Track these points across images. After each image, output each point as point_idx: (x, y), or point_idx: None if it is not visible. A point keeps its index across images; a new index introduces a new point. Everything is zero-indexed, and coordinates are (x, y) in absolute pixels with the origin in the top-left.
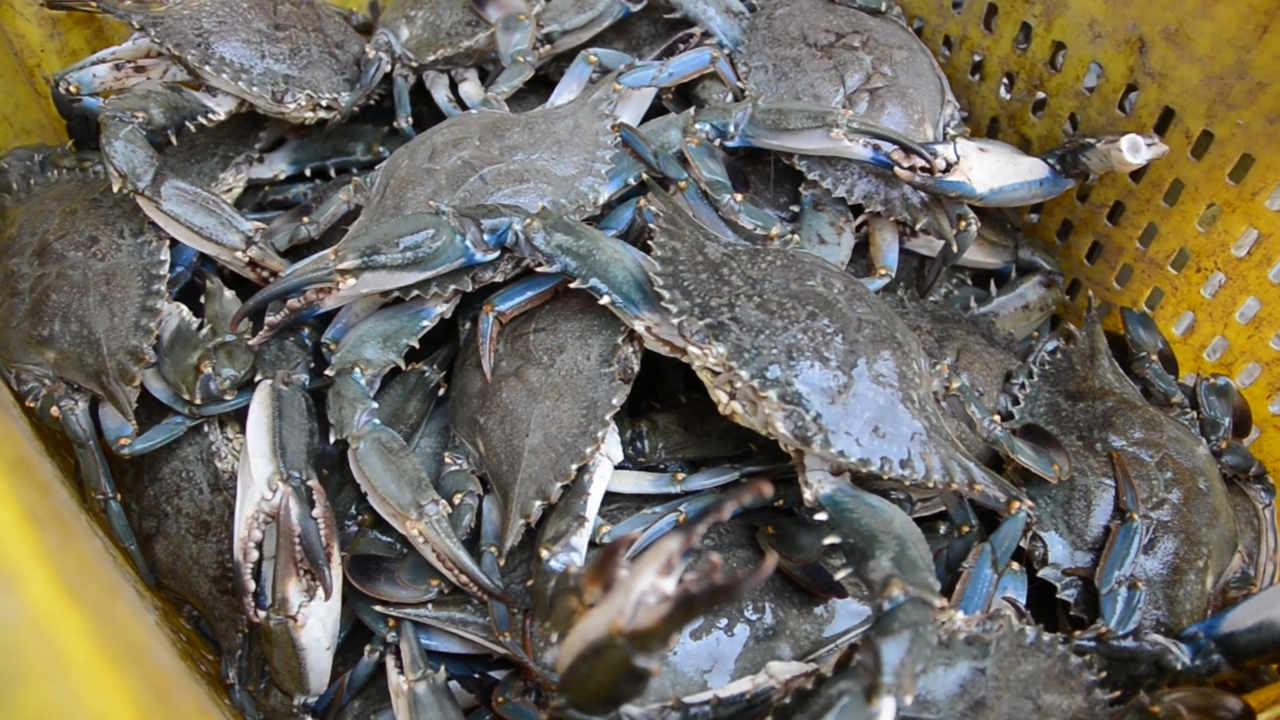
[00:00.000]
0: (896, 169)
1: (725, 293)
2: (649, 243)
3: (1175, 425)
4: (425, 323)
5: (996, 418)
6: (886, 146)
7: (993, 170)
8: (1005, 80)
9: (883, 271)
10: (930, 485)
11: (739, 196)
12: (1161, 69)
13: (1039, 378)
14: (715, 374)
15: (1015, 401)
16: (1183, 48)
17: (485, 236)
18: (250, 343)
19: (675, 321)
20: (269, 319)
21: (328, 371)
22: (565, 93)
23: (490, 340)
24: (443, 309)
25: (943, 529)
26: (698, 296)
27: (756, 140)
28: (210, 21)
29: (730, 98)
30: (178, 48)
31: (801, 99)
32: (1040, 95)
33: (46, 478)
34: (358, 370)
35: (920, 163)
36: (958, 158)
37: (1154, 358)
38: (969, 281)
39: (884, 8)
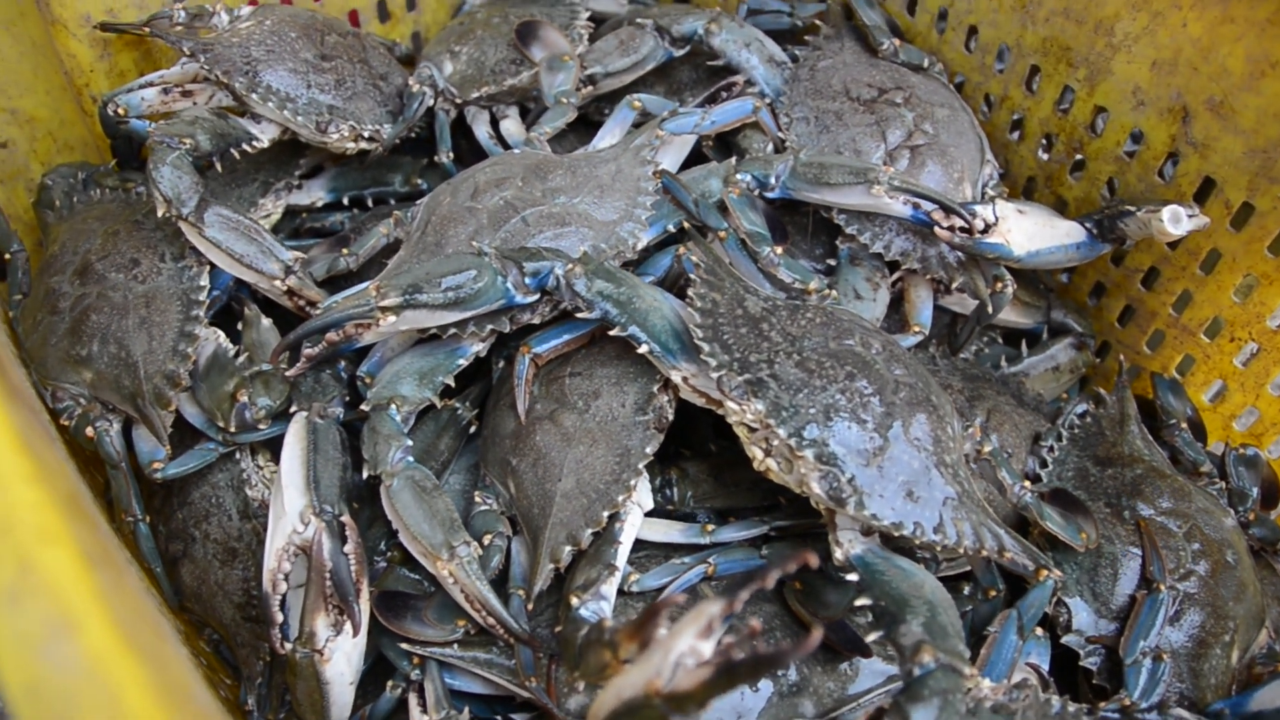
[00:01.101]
0: (935, 228)
1: (765, 348)
2: (688, 292)
3: (1204, 495)
4: (461, 361)
5: (1027, 484)
6: (926, 205)
7: (1031, 232)
8: (1044, 141)
9: (916, 329)
10: (961, 551)
11: (779, 249)
12: (1204, 139)
13: (1068, 441)
14: (752, 430)
15: (1043, 464)
16: (1227, 120)
17: (526, 279)
18: (288, 374)
19: (714, 375)
20: (307, 351)
21: (363, 406)
22: (608, 136)
23: (526, 382)
24: (479, 348)
25: (967, 589)
26: (737, 351)
27: (797, 193)
28: (259, 50)
29: (770, 148)
30: (226, 75)
31: (843, 153)
32: (1079, 158)
33: (92, 510)
34: (393, 407)
35: (959, 223)
36: (996, 219)
37: (1183, 425)
38: (1000, 340)
39: (926, 64)
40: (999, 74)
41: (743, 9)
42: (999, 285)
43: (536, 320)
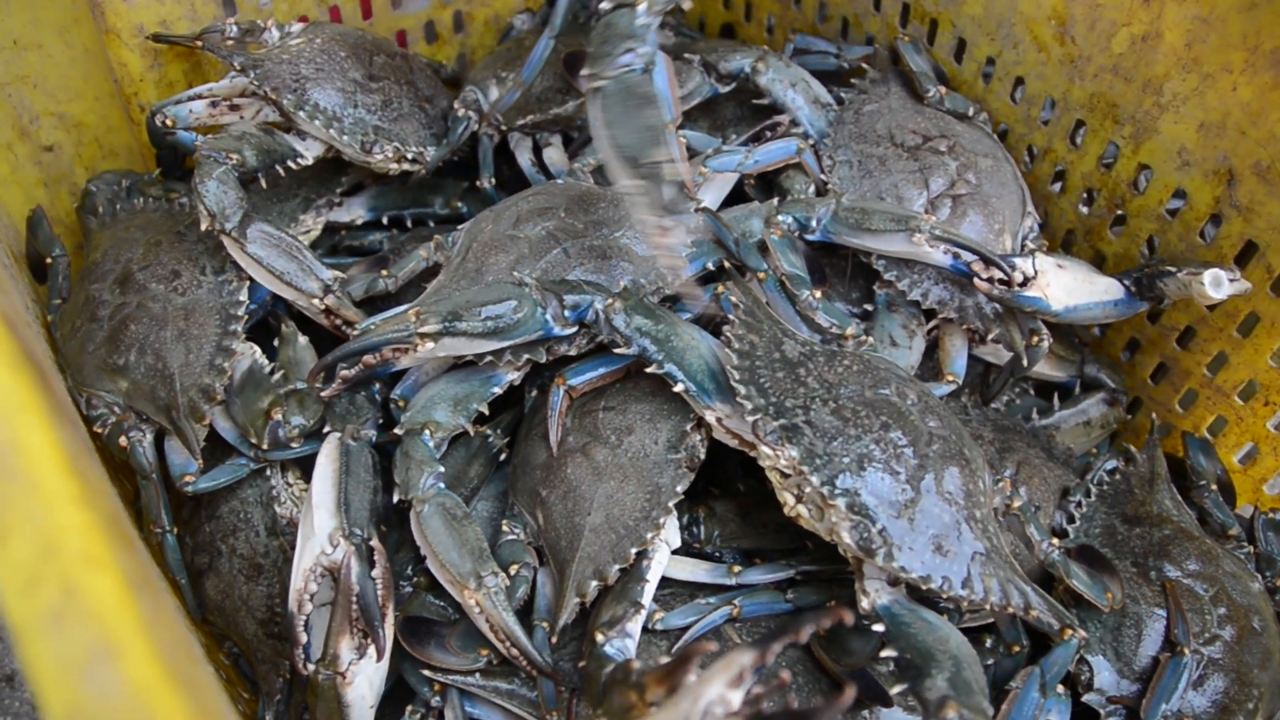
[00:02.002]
0: (975, 279)
1: (801, 394)
2: (725, 332)
3: (1231, 559)
4: (496, 389)
5: (1055, 541)
6: (966, 256)
7: (1070, 288)
8: (1086, 195)
9: (950, 378)
10: (987, 607)
11: (818, 293)
12: (1249, 203)
13: (1096, 498)
14: (785, 476)
15: (1071, 520)
16: (1273, 185)
17: (566, 312)
18: (323, 395)
19: (750, 419)
20: (343, 373)
21: (396, 430)
22: None
23: (559, 414)
24: (513, 376)
25: (989, 642)
26: (773, 395)
27: (837, 237)
28: (309, 68)
29: (812, 190)
30: (275, 91)
31: (884, 198)
32: (1120, 213)
33: (130, 530)
34: (427, 432)
35: (999, 275)
36: (1036, 272)
37: (1213, 486)
38: (1032, 391)
39: (971, 113)
40: (1043, 126)
41: (790, 47)
42: (1035, 339)
43: (573, 352)
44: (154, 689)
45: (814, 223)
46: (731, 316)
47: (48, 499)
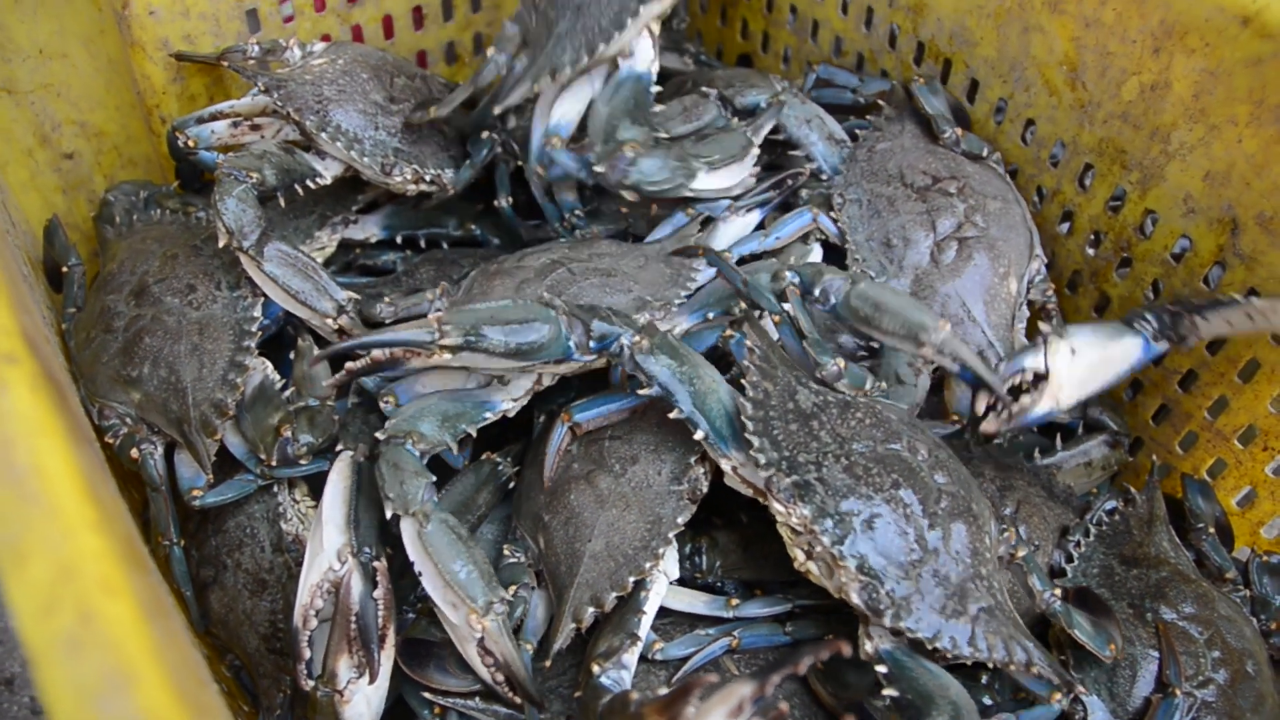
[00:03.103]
0: (979, 413)
1: (814, 448)
2: (743, 380)
3: (1227, 603)
4: (488, 414)
5: (1057, 591)
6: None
7: (1083, 379)
8: (1093, 236)
9: (955, 418)
10: (990, 663)
11: (841, 362)
12: (1252, 252)
13: (1095, 538)
14: (796, 533)
15: (1069, 559)
16: (1275, 235)
17: (591, 342)
18: (325, 384)
19: (763, 475)
20: (349, 365)
21: (378, 435)
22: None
23: (558, 452)
24: (508, 406)
25: (984, 678)
26: (786, 449)
27: (843, 319)
28: (331, 90)
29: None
30: (298, 112)
31: (891, 239)
32: (1126, 255)
33: (142, 552)
34: (410, 442)
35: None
36: (1048, 370)
37: (1211, 529)
38: (1035, 429)
39: (985, 154)
40: (1053, 168)
41: (811, 77)
42: None
43: (577, 371)
44: (167, 717)
45: (817, 293)
46: (745, 362)
47: (66, 524)
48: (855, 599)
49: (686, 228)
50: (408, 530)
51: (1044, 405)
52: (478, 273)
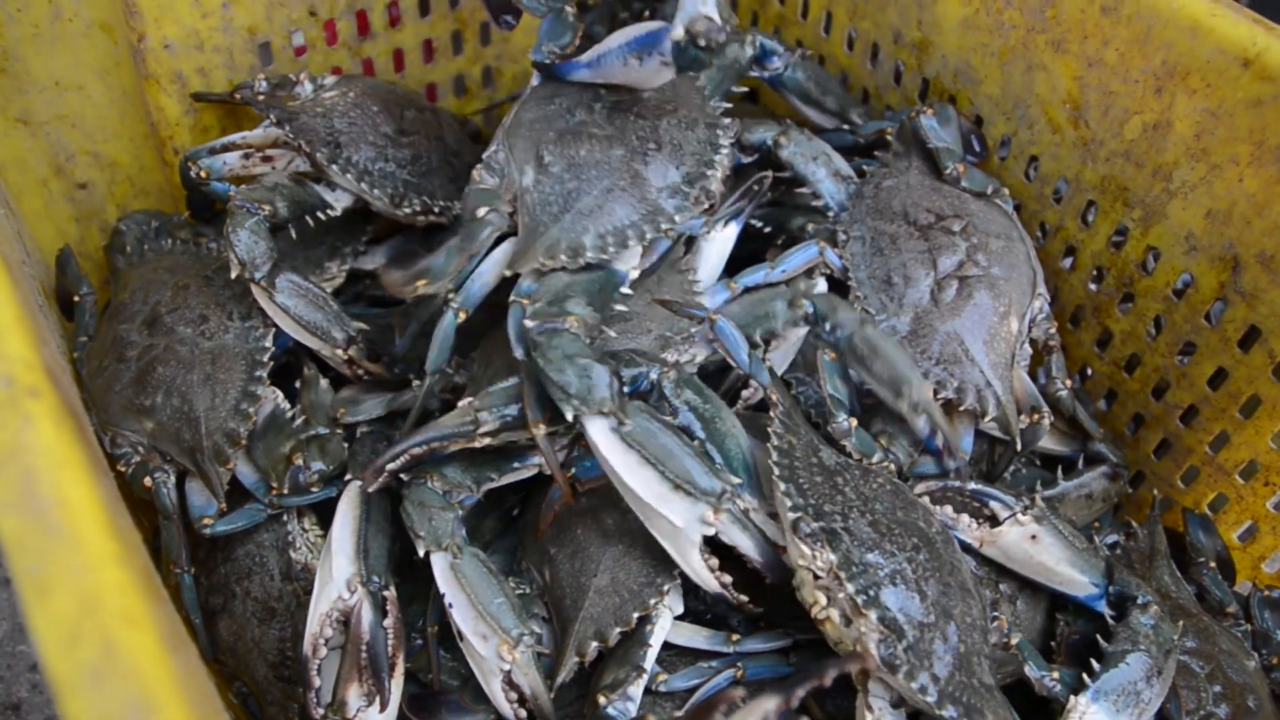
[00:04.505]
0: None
1: (839, 501)
2: (769, 430)
3: (1228, 637)
4: (516, 464)
5: (1055, 674)
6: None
7: (1019, 558)
8: (1095, 272)
9: (961, 454)
10: None
11: (853, 421)
12: (1253, 290)
13: None
14: (816, 578)
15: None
16: (1276, 274)
17: (625, 387)
18: (370, 490)
19: (790, 516)
20: (389, 466)
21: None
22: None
23: (554, 510)
24: (537, 460)
25: None
26: (812, 497)
27: (843, 353)
28: (342, 123)
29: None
30: (310, 146)
31: (893, 277)
32: (1128, 291)
33: (159, 584)
34: (434, 481)
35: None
36: (1000, 528)
37: (1212, 564)
38: (1038, 462)
39: (990, 190)
40: (1056, 204)
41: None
42: (1035, 417)
43: None
44: None
45: (827, 328)
46: (772, 415)
47: (90, 556)
48: (873, 650)
49: (671, 251)
50: (440, 564)
51: (975, 536)
52: (488, 342)
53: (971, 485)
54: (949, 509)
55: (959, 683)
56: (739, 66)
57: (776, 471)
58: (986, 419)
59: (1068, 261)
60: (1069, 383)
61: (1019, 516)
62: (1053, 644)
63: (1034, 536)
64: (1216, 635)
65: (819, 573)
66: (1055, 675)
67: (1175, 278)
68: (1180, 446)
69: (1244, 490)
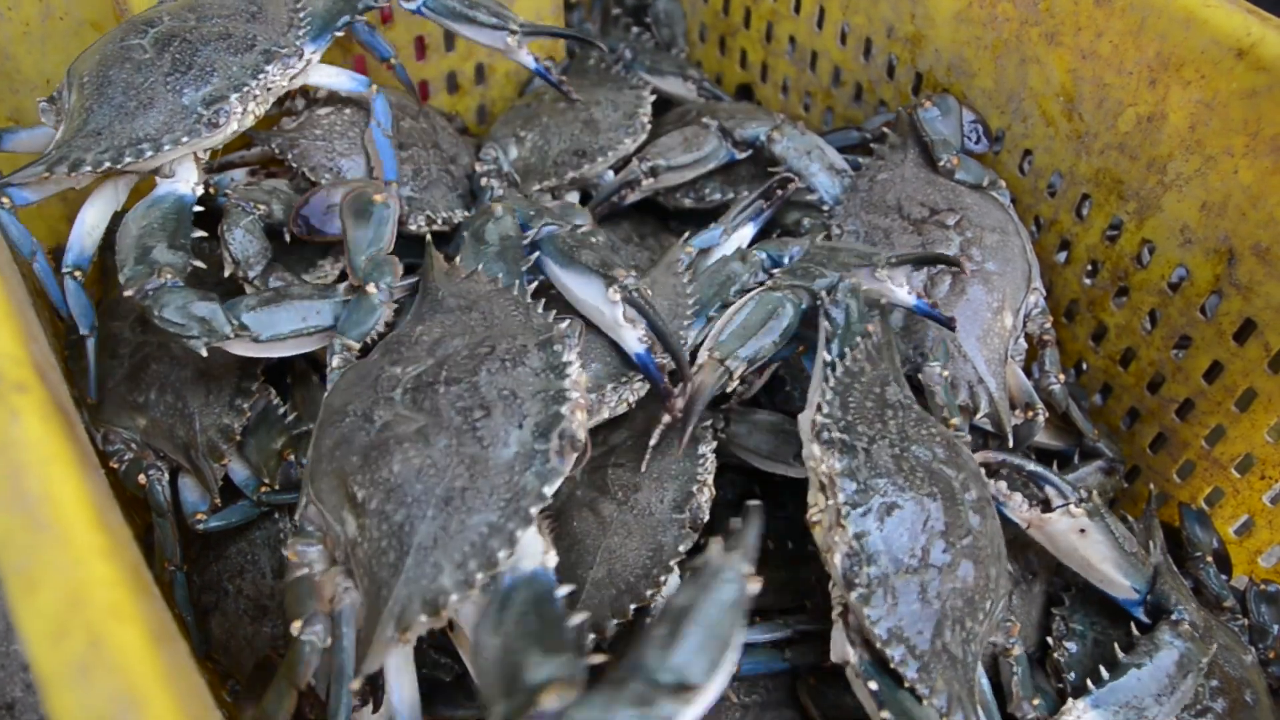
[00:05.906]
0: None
1: (876, 428)
2: (858, 340)
3: (1225, 631)
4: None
5: (1036, 701)
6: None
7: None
8: (1090, 266)
9: (954, 424)
10: (929, 708)
11: (946, 373)
12: (1248, 282)
13: None
14: (821, 486)
15: (1068, 588)
16: (1271, 265)
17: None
18: None
19: (819, 420)
20: None
21: None
22: None
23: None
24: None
25: None
26: (851, 415)
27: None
28: (342, 144)
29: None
30: (313, 172)
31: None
32: (1123, 285)
33: (149, 579)
34: None
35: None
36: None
37: (1208, 558)
38: (1033, 457)
39: (986, 183)
40: (1050, 198)
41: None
42: (1030, 414)
43: None
44: None
45: (786, 259)
46: (860, 342)
47: (76, 551)
48: (837, 561)
49: (672, 255)
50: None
51: (1024, 516)
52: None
53: (1030, 466)
54: (1003, 485)
55: (920, 635)
56: None
57: (831, 381)
58: (979, 415)
59: (1062, 255)
60: (1062, 377)
61: (1071, 508)
62: (1048, 640)
63: (1083, 530)
64: (1213, 629)
65: (824, 479)
66: (1036, 702)
67: (1170, 271)
68: (1176, 440)
69: (1240, 484)
